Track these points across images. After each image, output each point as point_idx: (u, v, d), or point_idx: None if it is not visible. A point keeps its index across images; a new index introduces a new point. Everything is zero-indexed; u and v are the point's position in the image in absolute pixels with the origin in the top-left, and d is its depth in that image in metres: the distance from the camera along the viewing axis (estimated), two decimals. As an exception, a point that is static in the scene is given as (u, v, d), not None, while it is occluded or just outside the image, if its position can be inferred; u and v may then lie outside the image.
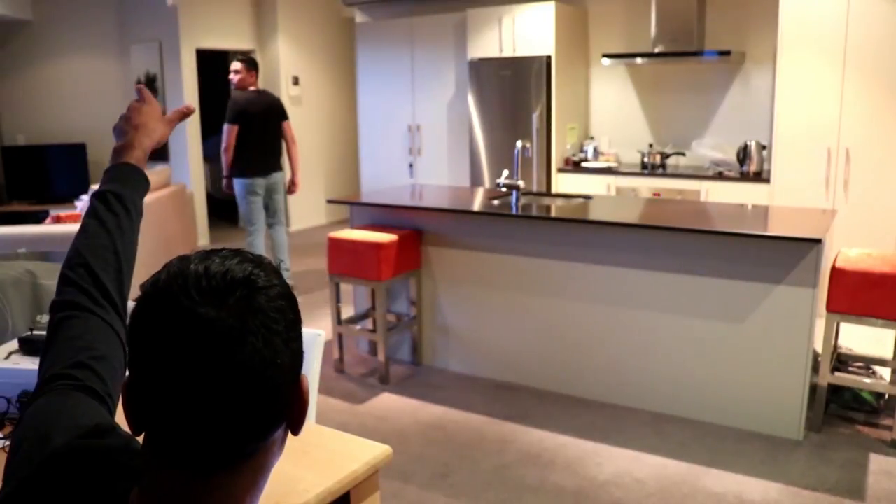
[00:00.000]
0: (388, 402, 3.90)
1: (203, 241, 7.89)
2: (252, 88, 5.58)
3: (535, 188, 6.05)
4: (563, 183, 6.11)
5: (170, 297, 0.69)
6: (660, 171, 5.81)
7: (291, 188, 5.82)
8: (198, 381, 0.67)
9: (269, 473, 0.76)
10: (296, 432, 0.76)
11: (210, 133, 9.34)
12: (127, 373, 0.73)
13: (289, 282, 5.30)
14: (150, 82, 7.78)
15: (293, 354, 0.72)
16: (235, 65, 5.51)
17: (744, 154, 5.48)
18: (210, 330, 0.67)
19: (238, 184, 5.52)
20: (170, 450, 0.70)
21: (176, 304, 0.68)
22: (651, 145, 6.16)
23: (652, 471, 3.14)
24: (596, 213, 3.89)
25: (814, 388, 3.44)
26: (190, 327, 0.67)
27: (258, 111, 5.51)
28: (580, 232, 3.81)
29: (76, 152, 7.71)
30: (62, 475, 0.80)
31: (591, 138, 6.44)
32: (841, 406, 3.62)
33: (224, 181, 5.66)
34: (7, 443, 1.67)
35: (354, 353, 4.62)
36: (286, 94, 8.25)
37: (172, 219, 6.43)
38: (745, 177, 5.41)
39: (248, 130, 5.46)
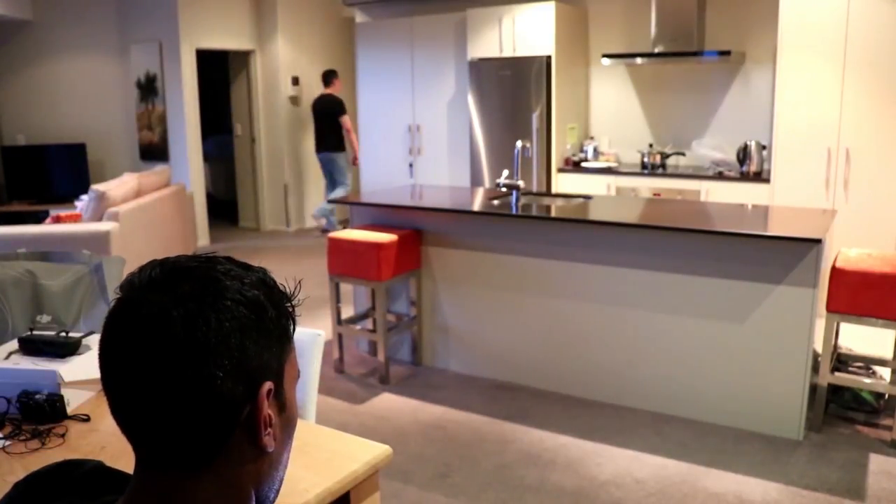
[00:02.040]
0: (388, 402, 3.90)
1: (203, 241, 7.90)
2: (321, 93, 7.76)
3: (535, 188, 6.05)
4: (563, 183, 6.11)
5: (122, 287, 0.73)
6: (660, 171, 5.81)
7: (354, 161, 7.78)
8: (124, 362, 0.69)
9: (238, 493, 0.75)
10: (258, 444, 0.74)
11: (210, 133, 9.35)
12: None
13: (334, 224, 5.55)
14: (150, 82, 7.79)
15: (239, 359, 0.70)
16: None
17: (744, 154, 5.48)
18: (138, 309, 0.69)
19: None
20: (135, 447, 0.72)
21: (123, 292, 0.72)
22: (651, 145, 6.16)
23: (652, 471, 3.14)
24: (596, 213, 3.89)
25: (814, 388, 3.44)
26: (122, 309, 0.71)
27: (316, 109, 7.76)
28: (580, 232, 3.81)
29: (76, 152, 7.72)
30: (46, 492, 0.80)
31: (591, 138, 6.44)
32: (841, 406, 3.62)
33: None
34: (7, 443, 1.67)
35: (354, 353, 4.62)
36: (286, 94, 8.25)
37: (172, 219, 6.43)
38: (745, 177, 5.42)
39: (315, 122, 7.80)
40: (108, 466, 0.85)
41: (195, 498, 0.72)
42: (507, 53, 6.15)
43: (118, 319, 0.70)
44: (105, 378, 0.71)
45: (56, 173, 7.70)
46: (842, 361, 3.82)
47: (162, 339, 0.68)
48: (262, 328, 0.73)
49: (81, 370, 1.89)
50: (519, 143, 4.42)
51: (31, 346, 1.96)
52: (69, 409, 1.81)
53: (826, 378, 3.40)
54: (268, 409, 0.73)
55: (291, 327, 0.78)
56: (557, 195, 4.88)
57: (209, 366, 0.68)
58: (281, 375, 0.76)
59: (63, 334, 2.00)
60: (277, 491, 0.82)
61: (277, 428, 0.76)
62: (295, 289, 0.81)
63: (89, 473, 0.83)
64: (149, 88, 7.82)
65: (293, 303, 0.79)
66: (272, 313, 0.74)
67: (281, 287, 0.79)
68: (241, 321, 0.71)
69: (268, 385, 0.73)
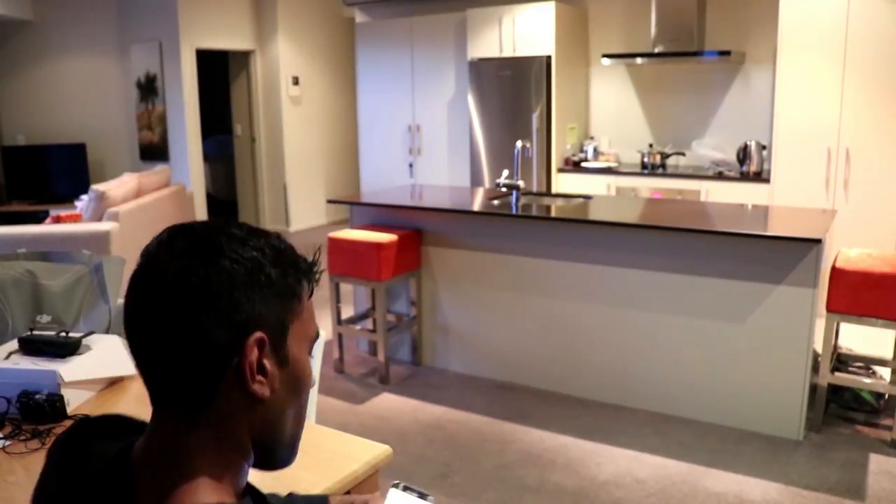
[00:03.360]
0: (388, 402, 3.90)
1: (203, 241, 7.88)
2: None
3: (535, 188, 6.05)
4: (563, 183, 6.11)
5: (142, 252, 0.82)
6: (660, 171, 5.81)
7: None
8: (133, 311, 0.78)
9: (234, 439, 0.79)
10: (248, 392, 0.78)
11: (210, 133, 9.35)
12: None
13: None
14: (150, 82, 7.79)
15: (227, 310, 0.76)
16: None
17: (744, 154, 5.48)
18: (146, 266, 0.79)
19: None
20: (147, 389, 0.80)
21: (140, 254, 0.81)
22: (651, 145, 6.16)
23: (652, 471, 3.14)
24: (596, 213, 3.89)
25: (814, 388, 3.44)
26: (137, 268, 0.80)
27: None
28: (580, 232, 3.81)
29: (76, 152, 7.71)
30: (83, 439, 0.86)
31: (591, 138, 6.44)
32: (841, 406, 3.62)
33: None
34: (7, 443, 1.67)
35: (354, 353, 4.62)
36: (286, 94, 8.25)
37: (172, 219, 6.43)
38: (745, 177, 5.42)
39: None
40: (130, 416, 0.91)
41: (195, 440, 0.78)
42: (507, 53, 6.14)
43: (133, 277, 0.80)
44: (125, 328, 0.80)
45: (56, 173, 7.69)
46: (842, 361, 3.82)
47: (159, 289, 0.76)
48: (257, 284, 0.78)
49: (81, 370, 1.89)
50: (519, 143, 4.42)
51: (31, 346, 1.96)
52: (69, 409, 1.81)
53: (826, 378, 3.40)
54: (254, 357, 0.77)
55: (302, 289, 0.83)
56: (557, 195, 4.88)
57: (197, 314, 0.75)
58: (282, 331, 0.81)
59: (63, 334, 2.00)
60: (286, 448, 0.85)
61: (276, 380, 0.80)
62: (315, 255, 0.88)
63: (115, 419, 0.90)
64: (149, 88, 7.82)
65: (314, 268, 0.85)
66: (272, 272, 0.79)
67: (297, 253, 0.84)
68: (233, 276, 0.77)
69: (256, 335, 0.77)
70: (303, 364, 0.84)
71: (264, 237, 0.82)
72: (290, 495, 1.20)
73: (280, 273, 0.80)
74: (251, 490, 0.89)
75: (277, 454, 0.85)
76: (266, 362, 0.79)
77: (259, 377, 0.78)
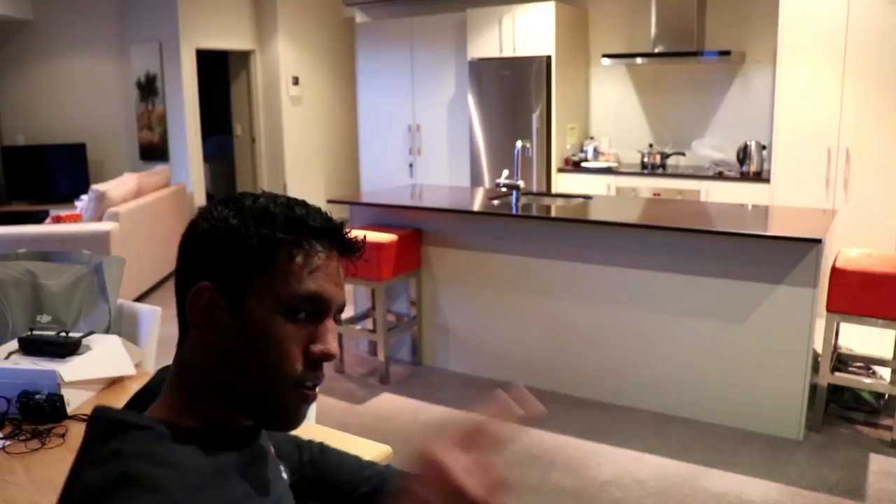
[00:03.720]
0: (388, 402, 3.90)
1: (203, 241, 7.88)
2: None
3: (535, 188, 6.05)
4: (563, 183, 6.11)
5: None
6: (660, 171, 5.81)
7: None
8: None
9: (198, 386, 0.88)
10: (191, 323, 0.88)
11: (210, 133, 9.34)
12: None
13: None
14: (150, 82, 7.79)
15: (190, 263, 0.89)
16: None
17: (744, 154, 5.48)
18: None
19: None
20: None
21: None
22: (651, 145, 6.16)
23: (652, 471, 3.14)
24: (596, 213, 3.89)
25: (814, 388, 3.44)
26: None
27: None
28: (580, 232, 3.81)
29: (76, 152, 7.71)
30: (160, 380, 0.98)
31: (591, 138, 6.44)
32: (841, 406, 3.62)
33: None
34: (7, 443, 1.67)
35: (354, 354, 4.62)
36: (286, 94, 8.25)
37: (171, 219, 6.43)
38: (745, 177, 5.42)
39: None
40: None
41: (174, 371, 0.91)
42: (507, 53, 6.14)
43: None
44: None
45: (56, 173, 7.69)
46: (842, 361, 3.82)
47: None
48: (216, 240, 0.86)
49: (81, 370, 1.89)
50: (519, 143, 4.42)
51: (31, 346, 1.96)
52: (69, 409, 1.81)
53: (826, 378, 3.40)
54: (198, 303, 0.86)
55: (277, 252, 0.86)
56: (557, 195, 4.88)
57: (179, 265, 0.90)
58: (239, 285, 0.86)
59: (63, 334, 2.00)
60: (255, 402, 0.88)
61: (226, 330, 0.86)
62: (310, 216, 0.91)
63: None
64: (149, 88, 7.82)
65: (303, 233, 0.88)
66: (242, 232, 0.86)
67: (298, 219, 0.88)
68: (199, 234, 0.88)
69: (199, 284, 0.86)
70: (263, 324, 0.86)
71: (257, 200, 0.89)
72: (388, 466, 1.25)
73: (252, 234, 0.86)
74: (247, 436, 0.92)
75: (248, 406, 0.89)
76: (218, 312, 0.86)
77: (201, 322, 0.87)
